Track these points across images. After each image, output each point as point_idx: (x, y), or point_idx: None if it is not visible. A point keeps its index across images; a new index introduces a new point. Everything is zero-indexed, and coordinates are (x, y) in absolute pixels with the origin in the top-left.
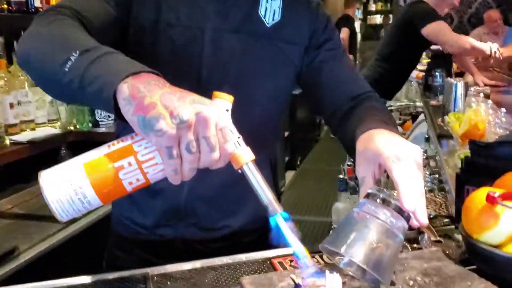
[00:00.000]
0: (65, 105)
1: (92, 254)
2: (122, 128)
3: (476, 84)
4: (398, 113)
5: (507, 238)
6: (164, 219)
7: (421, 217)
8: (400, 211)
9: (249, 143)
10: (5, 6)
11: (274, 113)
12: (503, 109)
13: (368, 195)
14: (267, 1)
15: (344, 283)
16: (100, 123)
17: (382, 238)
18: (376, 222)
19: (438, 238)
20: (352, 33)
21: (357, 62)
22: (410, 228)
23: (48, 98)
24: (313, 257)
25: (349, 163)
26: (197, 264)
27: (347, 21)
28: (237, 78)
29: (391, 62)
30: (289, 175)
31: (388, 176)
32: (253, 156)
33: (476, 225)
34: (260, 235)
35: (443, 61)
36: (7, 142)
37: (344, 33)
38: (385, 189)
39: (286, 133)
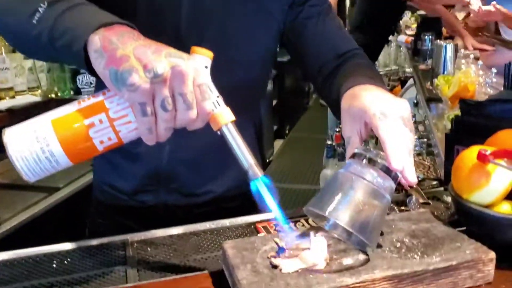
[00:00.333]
0: (45, 72)
1: (76, 223)
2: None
3: (466, 48)
4: (386, 78)
5: (498, 197)
6: (145, 184)
7: (409, 175)
8: (387, 170)
9: (230, 104)
10: None
11: (258, 72)
12: (494, 69)
13: (354, 155)
14: None
15: (329, 245)
16: (81, 90)
17: (369, 199)
18: (362, 182)
19: (427, 200)
20: None
21: (346, 28)
22: (399, 189)
23: (27, 64)
24: (298, 220)
25: (337, 129)
26: (179, 230)
27: None
28: (218, 35)
29: (364, 33)
30: (278, 144)
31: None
32: (233, 117)
33: (466, 185)
34: (245, 200)
35: (432, 25)
36: None
37: None
38: (371, 149)
39: (274, 102)
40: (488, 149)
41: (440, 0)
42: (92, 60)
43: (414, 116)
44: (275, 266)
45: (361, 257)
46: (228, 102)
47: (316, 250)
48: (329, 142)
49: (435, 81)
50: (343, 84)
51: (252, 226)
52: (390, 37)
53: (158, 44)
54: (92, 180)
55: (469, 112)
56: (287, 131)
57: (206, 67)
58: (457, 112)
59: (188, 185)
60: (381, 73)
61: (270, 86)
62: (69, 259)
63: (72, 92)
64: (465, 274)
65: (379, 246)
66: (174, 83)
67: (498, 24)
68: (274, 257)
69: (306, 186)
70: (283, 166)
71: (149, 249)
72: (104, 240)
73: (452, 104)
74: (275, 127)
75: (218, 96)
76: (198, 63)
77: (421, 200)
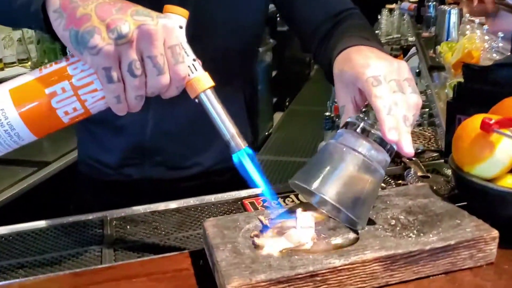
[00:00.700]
0: (35, 43)
1: (66, 198)
2: None
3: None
4: (389, 47)
5: (502, 170)
6: (129, 158)
7: (405, 146)
8: (382, 142)
9: (216, 71)
10: None
11: (247, 37)
12: (501, 33)
13: (346, 125)
14: None
15: (317, 223)
16: None
17: (360, 173)
18: (353, 155)
19: (426, 173)
20: None
21: None
22: (398, 161)
23: (16, 35)
24: (288, 196)
25: (336, 100)
26: (160, 206)
27: None
28: None
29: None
30: (277, 117)
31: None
32: (211, 83)
33: (468, 157)
34: (234, 175)
35: None
36: None
37: None
38: (366, 118)
39: (274, 73)
40: (492, 118)
41: None
42: (52, 21)
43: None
44: (257, 246)
45: (352, 236)
46: (214, 69)
47: (302, 229)
48: (327, 114)
49: (438, 48)
50: (335, 47)
51: (239, 203)
52: (393, 5)
53: (125, 1)
54: (77, 154)
55: (473, 78)
56: (287, 104)
57: (180, 27)
58: (460, 79)
59: (174, 158)
60: (382, 41)
61: (269, 57)
62: (43, 238)
63: None
64: (464, 254)
65: (371, 223)
66: (142, 45)
67: None
68: (257, 236)
69: (306, 160)
70: (283, 139)
71: (128, 227)
72: (81, 217)
73: (455, 71)
74: (274, 100)
75: (194, 60)
76: (170, 23)
77: (419, 173)
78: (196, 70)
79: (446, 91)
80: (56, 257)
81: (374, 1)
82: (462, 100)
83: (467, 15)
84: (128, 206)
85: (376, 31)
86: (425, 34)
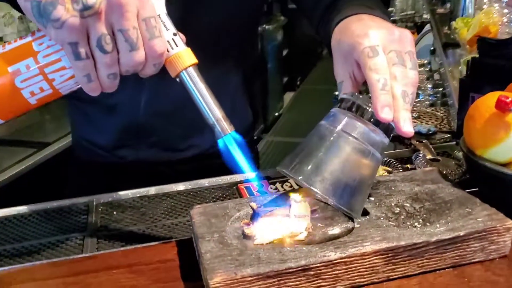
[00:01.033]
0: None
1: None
2: None
3: None
4: (403, 24)
5: None
6: (124, 139)
7: (403, 125)
8: (378, 122)
9: (207, 46)
10: None
11: (244, 5)
12: None
13: (340, 102)
14: None
15: (314, 211)
16: None
17: (353, 158)
18: (345, 138)
19: (436, 156)
20: None
21: None
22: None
23: (17, 13)
24: (286, 181)
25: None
26: (151, 190)
27: None
28: None
29: None
30: (288, 96)
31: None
32: (194, 60)
33: (481, 139)
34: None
35: None
36: None
37: None
38: (361, 95)
39: (285, 52)
40: (509, 96)
41: None
42: None
43: (429, 63)
44: (247, 236)
45: (351, 226)
46: (209, 45)
47: (296, 218)
48: (336, 93)
49: (453, 24)
50: (335, 17)
51: (234, 187)
52: None
53: None
54: (71, 136)
55: (488, 52)
56: (298, 83)
57: None
58: (476, 55)
59: (169, 139)
60: (395, 18)
61: (280, 35)
62: (24, 225)
63: None
64: (475, 246)
65: (373, 212)
66: (112, 17)
67: None
68: (248, 225)
69: None
70: (293, 120)
71: (114, 213)
72: (66, 202)
73: (470, 48)
74: (285, 79)
75: (175, 34)
76: None
77: (429, 156)
78: (176, 45)
79: (460, 68)
80: (35, 245)
81: None
82: (476, 76)
83: None
84: (123, 190)
85: (390, 8)
86: (440, 10)
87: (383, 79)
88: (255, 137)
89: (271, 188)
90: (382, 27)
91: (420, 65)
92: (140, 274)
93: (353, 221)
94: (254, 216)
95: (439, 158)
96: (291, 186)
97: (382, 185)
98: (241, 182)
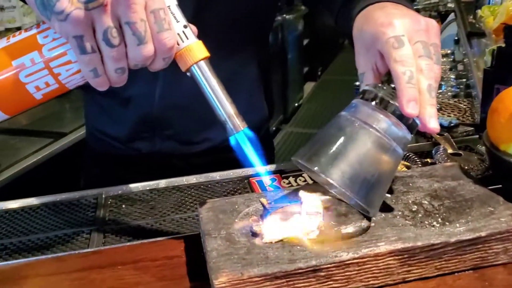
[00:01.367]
0: None
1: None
2: None
3: None
4: (426, 13)
5: None
6: (138, 131)
7: (429, 121)
8: (402, 116)
9: (222, 39)
10: None
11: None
12: None
13: (362, 94)
14: None
15: (328, 208)
16: None
17: (374, 152)
18: (367, 130)
19: (457, 150)
20: None
21: None
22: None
23: None
24: (300, 175)
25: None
26: (161, 183)
27: None
28: None
29: None
30: (308, 87)
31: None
32: (205, 53)
33: (505, 133)
34: None
35: None
36: None
37: None
38: (385, 86)
39: (305, 41)
40: None
41: None
42: None
43: (453, 54)
44: (255, 234)
45: (365, 224)
46: (224, 37)
47: (308, 215)
48: (357, 83)
49: (479, 12)
50: (356, 5)
51: (246, 181)
52: None
53: None
54: (85, 126)
55: None
56: (319, 73)
57: None
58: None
59: (184, 132)
60: (419, 6)
61: (301, 25)
62: (32, 217)
63: None
64: (497, 248)
65: (389, 209)
66: (118, 9)
67: None
68: (257, 221)
69: None
70: (314, 111)
71: (123, 206)
72: (75, 195)
73: (496, 37)
74: (305, 69)
75: (186, 26)
76: None
77: (450, 150)
78: (187, 38)
79: (485, 58)
80: (42, 238)
81: None
82: (501, 67)
83: None
84: (136, 183)
85: None
86: None
87: (409, 72)
88: (273, 128)
89: (284, 182)
90: (406, 15)
91: (444, 55)
92: (145, 271)
93: (368, 219)
94: (263, 212)
95: (460, 152)
96: (305, 180)
97: (400, 180)
98: (253, 176)
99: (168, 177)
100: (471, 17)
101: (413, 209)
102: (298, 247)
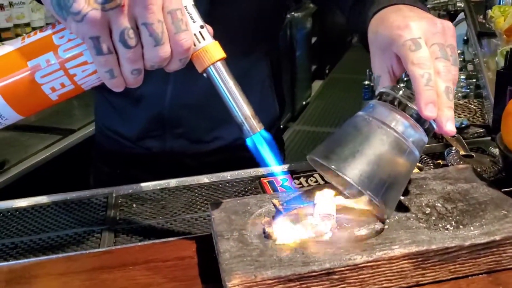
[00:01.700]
0: None
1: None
2: None
3: None
4: (435, 12)
5: None
6: (149, 130)
7: (446, 124)
8: (419, 118)
9: (237, 38)
10: None
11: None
12: None
13: (380, 96)
14: None
15: (341, 210)
16: None
17: (390, 152)
18: (385, 131)
19: (469, 152)
20: None
21: None
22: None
23: None
24: (311, 175)
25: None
26: (171, 182)
27: None
28: None
29: None
30: (316, 85)
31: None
32: (222, 54)
33: None
34: None
35: None
36: None
37: None
38: (403, 88)
39: (314, 39)
40: None
41: None
42: None
43: (462, 53)
44: (268, 236)
45: (379, 226)
46: (238, 36)
47: (321, 217)
48: (366, 82)
49: (489, 12)
50: (371, 7)
51: (257, 181)
52: None
53: None
54: (94, 124)
55: None
56: (327, 72)
57: None
58: None
59: (195, 131)
60: (428, 6)
61: (309, 23)
62: (42, 216)
63: None
64: (511, 251)
65: (403, 211)
66: (135, 10)
67: None
68: (269, 223)
69: None
70: (321, 109)
71: (134, 205)
72: (86, 193)
73: (507, 38)
74: (313, 67)
75: (202, 27)
76: None
77: (462, 152)
78: (204, 39)
79: (496, 59)
80: (53, 237)
81: None
82: None
83: None
84: (146, 182)
85: None
86: None
87: (427, 74)
88: (281, 126)
89: (295, 182)
90: (423, 18)
91: None
92: (157, 272)
93: (381, 221)
94: (276, 214)
95: (472, 154)
96: (316, 181)
97: (413, 183)
98: (264, 176)
99: (179, 176)
100: (481, 16)
101: (427, 212)
102: (312, 250)
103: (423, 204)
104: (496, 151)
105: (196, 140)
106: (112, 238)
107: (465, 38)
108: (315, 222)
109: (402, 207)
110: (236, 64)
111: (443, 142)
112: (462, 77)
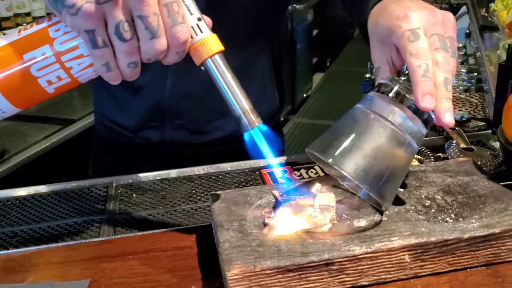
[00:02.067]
0: None
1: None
2: None
3: None
4: (437, 5)
5: None
6: (148, 120)
7: (444, 115)
8: (418, 110)
9: (240, 30)
10: None
11: None
12: None
13: (378, 87)
14: None
15: (340, 201)
16: None
17: (388, 145)
18: (382, 123)
19: (469, 145)
20: None
21: None
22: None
23: None
24: (312, 167)
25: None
26: (171, 173)
27: None
28: None
29: None
30: (317, 78)
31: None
32: (220, 47)
33: None
34: None
35: None
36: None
37: None
38: (402, 79)
39: (315, 32)
40: None
41: None
42: None
43: (464, 47)
44: (268, 226)
45: (378, 218)
46: (235, 30)
47: (320, 208)
48: (367, 75)
49: (492, 6)
50: None
51: (257, 172)
52: None
53: None
54: (94, 113)
55: None
56: (327, 64)
57: None
58: None
59: (195, 121)
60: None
61: (310, 15)
62: (42, 205)
63: None
64: (510, 244)
65: (402, 203)
66: (130, 2)
67: None
68: (269, 214)
69: None
70: (322, 102)
71: (134, 195)
72: (85, 183)
73: (510, 32)
74: (314, 60)
75: (200, 19)
76: None
77: (462, 145)
78: (201, 31)
79: (498, 52)
80: (52, 226)
81: None
82: None
83: None
84: (146, 171)
85: None
86: None
87: (424, 65)
88: (281, 119)
89: (295, 174)
90: (423, 8)
91: None
92: (156, 261)
93: (380, 213)
94: (276, 205)
95: (473, 147)
96: (317, 173)
97: (412, 175)
98: (264, 167)
99: (178, 167)
100: (484, 10)
101: (426, 204)
102: (311, 240)
103: (423, 197)
104: (496, 144)
105: (196, 131)
106: (112, 227)
107: (467, 31)
108: (314, 213)
109: (401, 199)
110: (237, 54)
111: (443, 135)
112: (464, 70)
